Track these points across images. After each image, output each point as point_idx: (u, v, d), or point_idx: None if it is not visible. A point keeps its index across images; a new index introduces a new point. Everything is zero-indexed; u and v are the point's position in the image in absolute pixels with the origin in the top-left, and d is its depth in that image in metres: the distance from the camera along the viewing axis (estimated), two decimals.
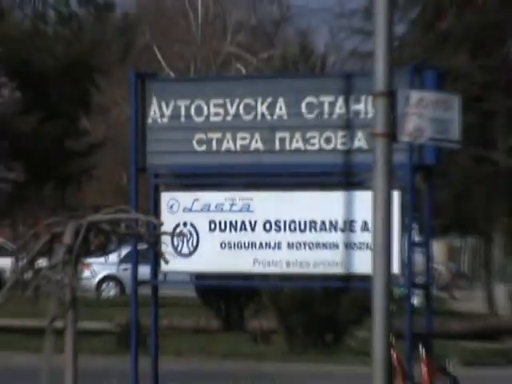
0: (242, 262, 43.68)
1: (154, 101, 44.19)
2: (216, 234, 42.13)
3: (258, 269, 44.08)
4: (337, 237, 39.51)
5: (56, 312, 21.85)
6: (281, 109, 41.86)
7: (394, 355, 39.47)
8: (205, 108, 43.21)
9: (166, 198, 42.65)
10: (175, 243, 41.98)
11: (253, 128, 42.38)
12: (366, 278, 36.31)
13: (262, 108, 42.44)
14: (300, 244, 41.09)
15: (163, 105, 43.87)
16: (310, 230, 40.50)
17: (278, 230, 41.62)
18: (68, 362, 20.47)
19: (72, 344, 20.89)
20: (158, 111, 43.92)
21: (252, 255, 42.64)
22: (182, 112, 43.46)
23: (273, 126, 41.87)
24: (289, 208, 41.18)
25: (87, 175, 75.18)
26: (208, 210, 42.32)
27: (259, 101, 42.90)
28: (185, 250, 42.38)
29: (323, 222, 39.84)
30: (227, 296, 65.69)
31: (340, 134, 39.50)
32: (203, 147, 42.36)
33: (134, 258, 44.80)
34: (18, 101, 36.59)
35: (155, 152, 43.02)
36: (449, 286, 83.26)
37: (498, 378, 53.03)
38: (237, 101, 43.51)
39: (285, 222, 41.19)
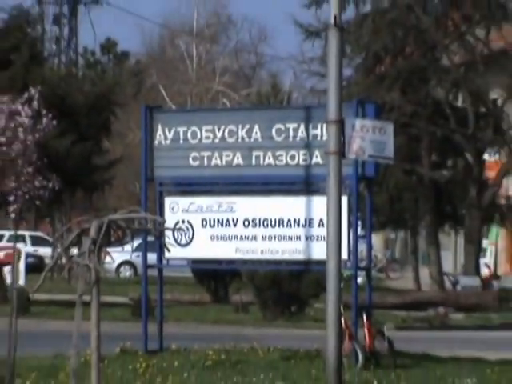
0: (227, 251, 44.64)
1: (159, 127, 45.24)
2: (207, 229, 43.21)
3: (239, 255, 45.18)
4: (299, 231, 41.47)
5: (84, 289, 19.62)
6: (256, 133, 43.02)
7: (343, 321, 37.71)
8: (198, 132, 44.47)
9: (168, 201, 43.67)
10: (176, 236, 42.80)
11: (235, 148, 43.33)
12: (321, 263, 37.05)
13: (242, 132, 43.66)
14: (271, 236, 42.30)
15: (166, 130, 45.05)
16: (279, 225, 41.70)
17: (254, 225, 42.69)
18: (93, 328, 19.12)
19: (96, 313, 19.29)
20: (162, 135, 45.03)
21: (235, 245, 43.68)
22: (181, 136, 44.76)
23: (250, 147, 42.96)
24: (263, 209, 42.29)
25: (108, 184, 73.53)
26: (201, 210, 43.38)
27: (240, 127, 44.11)
28: (183, 241, 43.28)
29: (289, 220, 41.42)
30: (215, 276, 66.46)
31: (302, 152, 41.00)
32: (197, 163, 43.62)
33: (144, 248, 46.05)
34: (55, 128, 36.58)
35: (160, 166, 43.99)
36: (385, 268, 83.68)
37: (422, 339, 52.44)
38: (222, 127, 44.71)
39: (259, 220, 42.29)
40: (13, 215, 41.04)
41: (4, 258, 61.70)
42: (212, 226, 43.40)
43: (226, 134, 44.02)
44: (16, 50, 71.21)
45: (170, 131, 44.50)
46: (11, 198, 37.26)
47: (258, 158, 42.68)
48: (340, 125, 35.24)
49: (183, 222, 43.45)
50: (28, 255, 70.55)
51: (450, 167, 72.10)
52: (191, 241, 43.54)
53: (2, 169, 34.19)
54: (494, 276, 73.46)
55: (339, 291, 34.22)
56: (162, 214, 43.27)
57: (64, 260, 36.33)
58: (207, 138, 44.10)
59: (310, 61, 65.26)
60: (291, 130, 42.06)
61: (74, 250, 23.82)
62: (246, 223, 43.36)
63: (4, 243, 74.11)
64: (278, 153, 42.20)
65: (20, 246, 64.08)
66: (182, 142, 44.43)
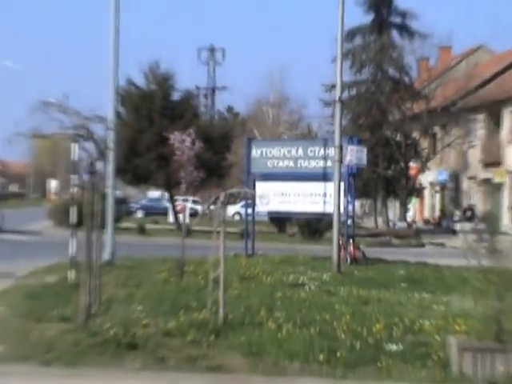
0: (285, 208, 52.71)
1: (253, 148, 52.65)
2: (275, 197, 51.18)
3: (291, 209, 53.60)
4: (320, 199, 48.84)
5: (217, 225, 25.24)
6: (300, 151, 49.69)
7: (341, 242, 44.16)
8: (272, 151, 51.65)
9: (258, 185, 51.05)
10: (260, 200, 50.89)
11: (289, 159, 50.52)
12: (330, 214, 45.41)
13: (293, 151, 50.02)
14: (306, 201, 50.27)
15: (258, 150, 52.37)
16: (310, 196, 49.88)
17: (298, 196, 50.68)
18: (221, 243, 22.96)
19: (223, 237, 23.62)
20: (255, 152, 52.13)
21: (288, 205, 51.60)
22: (264, 153, 51.89)
23: (297, 158, 50.31)
24: (302, 188, 50.50)
25: (228, 175, 75.39)
26: (272, 188, 51.34)
27: (293, 149, 50.34)
28: (264, 203, 51.12)
29: (315, 194, 49.63)
30: (280, 219, 72.03)
31: (321, 161, 48.91)
32: (271, 166, 51.15)
33: (246, 205, 55.08)
34: (202, 147, 41.22)
35: (253, 167, 51.85)
36: (361, 217, 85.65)
37: (378, 252, 55.07)
38: (284, 148, 52.08)
39: (300, 193, 50.45)
40: (183, 190, 48.87)
41: (179, 209, 69.65)
42: (278, 196, 51.37)
43: (286, 152, 51.14)
44: (186, 111, 78.45)
45: (258, 150, 52.29)
46: (182, 182, 46.04)
47: (300, 163, 50.37)
48: (340, 148, 44.09)
49: (264, 193, 50.94)
50: (190, 208, 74.21)
51: (393, 169, 79.17)
52: (267, 203, 51.57)
53: (179, 168, 42.72)
54: (413, 221, 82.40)
55: (338, 228, 43.74)
56: (253, 186, 50.89)
57: (208, 211, 46.20)
58: (277, 154, 51.49)
59: (327, 117, 72.03)
60: (317, 151, 49.61)
61: (213, 206, 32.49)
62: (294, 194, 51.10)
63: (179, 202, 75.63)
64: (310, 161, 49.70)
65: (186, 203, 69.48)
66: (264, 155, 51.76)
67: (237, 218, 68.64)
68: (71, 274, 29.21)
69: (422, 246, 61.76)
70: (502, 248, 19.72)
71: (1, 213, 77.46)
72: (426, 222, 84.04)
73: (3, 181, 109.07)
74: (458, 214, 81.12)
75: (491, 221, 65.63)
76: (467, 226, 68.13)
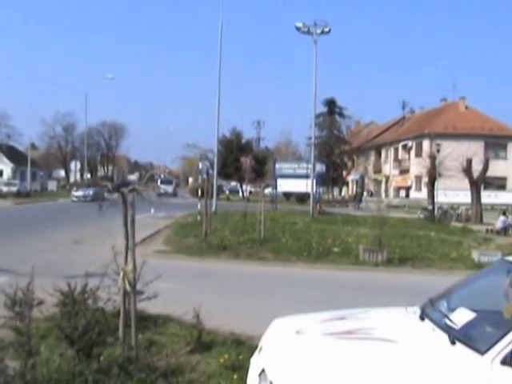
0: (289, 189, 50.81)
1: (277, 164, 49.50)
2: (285, 183, 47.66)
3: (290, 190, 51.64)
4: (305, 186, 43.43)
5: (261, 197, 24.68)
6: (295, 165, 48.22)
7: (319, 205, 42.20)
8: (285, 165, 49.16)
9: (278, 180, 47.02)
10: (279, 185, 47.51)
11: (292, 168, 47.86)
12: (309, 192, 41.07)
13: (294, 165, 48.94)
14: (299, 186, 46.09)
15: (278, 165, 49.05)
16: (301, 184, 44.76)
17: (295, 184, 46.53)
18: (262, 206, 22.48)
19: (263, 202, 22.81)
20: (277, 166, 48.78)
21: (291, 188, 49.24)
22: (281, 166, 48.66)
23: (295, 168, 47.89)
24: (295, 183, 45.98)
25: (266, 175, 66.60)
26: (284, 179, 46.76)
27: (294, 164, 50.20)
28: (281, 185, 48.31)
29: (303, 183, 43.92)
30: (287, 194, 61.48)
31: (305, 170, 43.72)
32: (284, 171, 47.35)
33: (273, 188, 49.23)
34: (253, 164, 40.09)
35: (276, 172, 47.46)
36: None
37: (330, 209, 49.58)
38: (290, 164, 49.74)
39: (297, 183, 45.84)
40: (247, 182, 48.22)
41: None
42: (286, 184, 47.11)
43: (290, 165, 47.81)
44: (247, 147, 74.75)
45: (278, 165, 48.15)
46: (246, 178, 45.48)
47: (296, 170, 46.69)
48: (314, 164, 40.34)
49: (280, 182, 47.03)
50: (249, 191, 68.10)
51: (335, 173, 73.22)
52: (281, 186, 48.25)
53: (244, 172, 42.19)
54: (343, 196, 75.53)
55: (313, 198, 39.58)
56: (276, 181, 47.25)
57: (258, 191, 43.14)
58: (286, 166, 48.27)
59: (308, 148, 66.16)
60: (303, 165, 45.85)
61: (259, 189, 32.47)
62: (293, 183, 46.69)
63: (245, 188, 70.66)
64: (300, 169, 45.87)
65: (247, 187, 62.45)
66: (281, 167, 48.02)
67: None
68: (199, 217, 28.41)
69: (347, 207, 59.73)
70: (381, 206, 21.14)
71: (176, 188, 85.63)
72: (349, 197, 79.73)
73: (176, 180, 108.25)
74: (365, 193, 79.50)
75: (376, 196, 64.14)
76: (368, 198, 67.53)
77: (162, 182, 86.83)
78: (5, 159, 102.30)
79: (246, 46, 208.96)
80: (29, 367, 4.75)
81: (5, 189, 64.20)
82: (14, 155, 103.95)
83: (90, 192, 53.21)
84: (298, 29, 39.86)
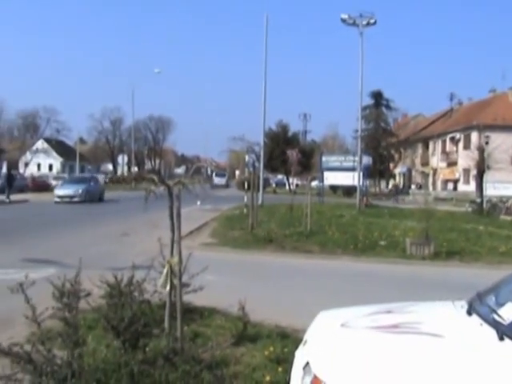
0: (336, 182, 50.69)
1: (323, 157, 49.68)
2: (332, 176, 48.14)
3: (337, 183, 51.93)
4: (351, 178, 43.68)
5: (308, 190, 25.61)
6: (342, 158, 48.55)
7: (365, 198, 43.06)
8: (331, 158, 49.22)
9: (325, 173, 47.40)
10: (326, 178, 48.12)
11: (338, 161, 48.11)
12: (355, 185, 40.56)
13: (341, 158, 49.23)
14: (346, 179, 46.82)
15: (324, 157, 49.32)
16: (347, 177, 45.52)
17: (342, 177, 47.18)
18: (308, 199, 24.71)
19: (309, 195, 23.24)
20: (324, 159, 48.86)
21: (338, 181, 49.53)
22: (327, 159, 48.81)
23: (342, 161, 48.12)
24: (345, 173, 46.05)
25: (313, 168, 67.38)
26: (330, 172, 46.99)
27: (341, 156, 50.03)
28: (327, 178, 48.39)
29: (350, 176, 44.27)
30: (334, 187, 61.05)
31: (352, 162, 44.43)
32: (331, 164, 47.66)
33: (320, 181, 50.10)
34: (299, 157, 40.17)
35: (323, 165, 47.68)
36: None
37: (377, 202, 49.22)
38: (337, 157, 50.11)
39: (344, 176, 46.24)
40: (293, 175, 48.47)
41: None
42: (333, 177, 47.43)
43: (336, 158, 48.58)
44: (293, 140, 75.94)
45: (324, 157, 48.29)
46: (292, 171, 45.66)
47: (343, 163, 47.10)
48: (360, 157, 40.98)
49: (327, 175, 47.87)
50: (296, 184, 69.04)
51: (382, 166, 73.65)
52: (327, 179, 48.47)
53: (291, 165, 42.23)
54: (390, 189, 73.69)
55: (360, 191, 39.34)
56: (322, 174, 47.77)
57: (306, 183, 43.27)
58: (332, 159, 48.36)
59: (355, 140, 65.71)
60: (350, 158, 46.66)
61: (306, 182, 31.70)
62: (340, 176, 47.18)
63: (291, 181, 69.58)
64: (347, 162, 46.38)
65: (294, 180, 61.72)
66: (327, 160, 48.17)
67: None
68: (245, 210, 28.39)
69: (398, 200, 59.04)
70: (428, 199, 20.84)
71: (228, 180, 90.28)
72: (399, 189, 78.01)
73: (227, 173, 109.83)
74: (413, 186, 78.69)
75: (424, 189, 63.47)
76: (416, 191, 66.75)
77: (216, 175, 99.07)
78: (54, 154, 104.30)
79: (292, 38, 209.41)
80: (76, 357, 4.82)
81: (54, 182, 64.38)
82: (63, 150, 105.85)
83: (80, 190, 40.80)
84: (343, 20, 39.61)
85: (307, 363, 3.81)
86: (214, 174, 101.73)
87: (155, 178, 6.20)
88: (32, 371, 4.63)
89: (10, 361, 4.68)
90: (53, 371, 4.65)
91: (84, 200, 40.33)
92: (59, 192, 41.47)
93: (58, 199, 40.26)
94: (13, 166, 78.22)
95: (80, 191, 41.00)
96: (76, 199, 40.21)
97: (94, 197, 42.12)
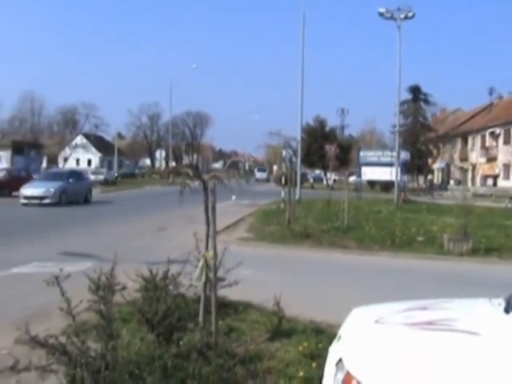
0: (374, 177, 50.05)
1: (361, 152, 49.82)
2: (369, 172, 48.10)
3: (374, 178, 51.45)
4: (389, 173, 43.81)
5: (345, 185, 26.55)
6: (380, 153, 48.77)
7: (403, 194, 42.96)
8: (369, 153, 49.28)
9: (363, 168, 47.31)
10: (363, 173, 47.87)
11: (376, 156, 48.37)
12: (393, 181, 40.95)
13: (378, 153, 49.34)
14: (384, 174, 46.58)
15: (362, 153, 49.32)
16: (385, 172, 45.50)
17: (379, 172, 46.79)
18: (345, 194, 23.07)
19: (346, 190, 23.51)
20: (361, 154, 48.84)
21: (376, 176, 49.05)
22: (365, 154, 48.87)
23: (380, 156, 48.31)
24: (382, 168, 46.07)
25: (350, 163, 67.21)
26: (369, 167, 47.01)
27: (378, 152, 50.05)
28: (365, 173, 48.12)
29: (388, 171, 44.14)
30: (371, 183, 59.18)
31: (389, 157, 44.41)
32: (368, 159, 47.62)
33: (357, 176, 49.46)
34: (337, 152, 39.61)
35: (361, 160, 47.71)
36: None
37: (415, 197, 49.40)
38: (375, 152, 49.99)
39: (381, 171, 45.98)
40: (330, 170, 48.64)
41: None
42: (370, 172, 47.17)
43: (374, 153, 48.59)
44: (331, 135, 75.09)
45: (362, 153, 48.50)
46: (330, 166, 45.64)
47: (380, 158, 47.13)
48: (398, 152, 41.71)
49: (364, 170, 47.52)
50: (333, 179, 72.09)
51: (420, 161, 71.14)
52: (366, 174, 48.18)
53: (328, 160, 42.21)
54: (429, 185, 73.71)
55: (397, 186, 39.65)
56: (360, 169, 47.74)
57: (342, 179, 43.04)
58: (370, 154, 48.56)
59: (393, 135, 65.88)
60: (388, 153, 46.57)
61: (343, 177, 31.48)
62: (378, 171, 47.03)
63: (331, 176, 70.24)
64: (385, 157, 46.36)
65: (332, 175, 61.61)
66: (365, 155, 48.35)
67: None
68: (282, 205, 28.66)
69: (434, 195, 58.55)
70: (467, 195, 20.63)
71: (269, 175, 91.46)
72: (435, 185, 76.80)
73: (267, 168, 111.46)
74: (451, 182, 78.02)
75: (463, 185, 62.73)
76: (454, 187, 65.93)
77: (258, 170, 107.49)
78: (93, 149, 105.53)
79: (329, 33, 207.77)
80: (110, 349, 4.86)
81: (92, 177, 65.51)
82: (102, 145, 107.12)
83: (52, 189, 32.62)
84: (381, 14, 39.50)
85: (340, 359, 3.78)
86: (256, 169, 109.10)
87: (190, 172, 6.23)
88: (67, 362, 4.70)
89: (46, 352, 4.75)
90: (87, 363, 4.70)
91: (58, 202, 32.30)
92: (26, 192, 32.94)
93: (24, 200, 32.26)
94: (52, 161, 79.62)
95: (52, 191, 32.57)
96: (47, 201, 31.95)
97: (74, 197, 33.83)
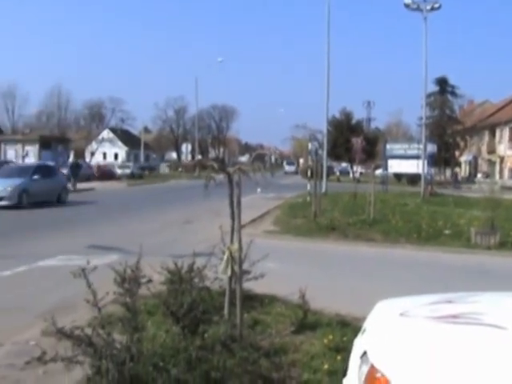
0: (400, 170, 49.70)
1: (387, 144, 49.14)
2: (395, 164, 47.53)
3: (400, 171, 51.33)
4: (416, 166, 43.41)
5: (371, 178, 26.48)
6: (406, 146, 47.93)
7: (430, 186, 43.14)
8: (395, 145, 48.89)
9: (389, 161, 46.90)
10: (391, 165, 47.63)
11: (403, 149, 47.82)
12: (420, 174, 41.25)
13: (405, 145, 48.44)
14: (410, 167, 46.06)
15: (388, 145, 48.65)
16: (412, 165, 44.81)
17: (406, 165, 46.45)
18: (372, 187, 24.26)
19: (373, 183, 23.82)
20: (388, 146, 48.26)
21: (402, 169, 48.89)
22: (391, 146, 48.23)
23: (406, 148, 47.88)
24: (407, 163, 45.72)
25: (376, 156, 66.24)
26: (395, 159, 46.72)
27: (405, 144, 49.35)
28: (390, 165, 48.00)
29: (414, 164, 43.60)
30: (398, 175, 59.41)
31: (416, 150, 43.70)
32: (395, 152, 47.11)
33: (383, 169, 49.21)
34: (364, 145, 39.68)
35: (387, 153, 47.08)
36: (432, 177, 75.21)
37: (442, 190, 47.94)
38: (401, 144, 49.28)
39: (408, 164, 45.71)
40: (357, 163, 48.43)
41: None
42: (397, 165, 46.70)
43: (401, 146, 47.12)
44: (357, 128, 74.01)
45: (388, 145, 47.87)
46: (356, 159, 45.40)
47: (407, 150, 45.79)
48: (425, 145, 40.94)
49: (391, 163, 46.84)
50: (360, 172, 68.78)
51: (447, 154, 70.79)
52: (391, 167, 47.64)
53: (355, 153, 42.23)
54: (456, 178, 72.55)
55: (424, 179, 39.78)
56: (386, 162, 47.27)
57: (368, 172, 42.98)
58: (397, 147, 47.72)
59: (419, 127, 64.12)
60: (414, 145, 45.51)
61: (369, 170, 31.36)
62: (404, 164, 46.46)
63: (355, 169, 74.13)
64: (411, 150, 45.07)
65: (357, 168, 61.64)
66: (391, 147, 47.58)
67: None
68: (308, 198, 28.56)
69: (460, 188, 58.10)
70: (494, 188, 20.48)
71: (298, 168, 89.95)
72: (461, 178, 76.29)
73: (293, 161, 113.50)
74: (479, 175, 77.39)
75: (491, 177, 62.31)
76: (482, 179, 65.39)
77: (287, 163, 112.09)
78: (119, 143, 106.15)
79: (354, 24, 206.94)
80: (135, 341, 4.89)
81: (119, 171, 66.85)
82: (128, 139, 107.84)
83: (9, 188, 27.14)
84: (406, 6, 39.37)
85: (365, 352, 3.75)
86: (285, 163, 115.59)
87: (214, 164, 6.25)
88: (92, 354, 4.73)
89: (72, 343, 4.81)
90: (112, 354, 4.73)
91: (19, 203, 26.79)
92: None
93: None
94: (79, 155, 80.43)
95: (9, 190, 27.11)
96: (3, 203, 26.37)
97: (42, 197, 28.58)
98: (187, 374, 4.90)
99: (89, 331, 4.86)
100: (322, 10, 43.00)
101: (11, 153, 62.19)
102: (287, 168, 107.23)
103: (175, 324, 5.67)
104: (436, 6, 38.87)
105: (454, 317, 3.90)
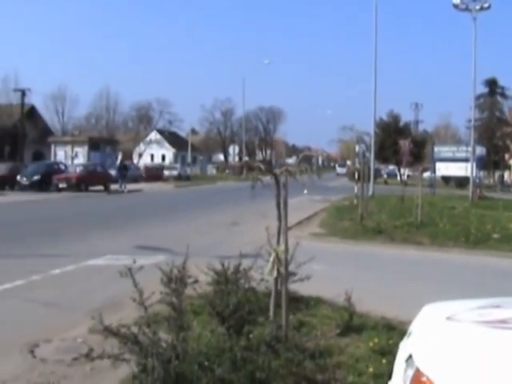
0: (449, 173, 49.31)
1: (435, 147, 48.64)
2: (443, 168, 47.34)
3: (449, 174, 50.35)
4: (464, 169, 43.06)
5: (419, 181, 26.66)
6: (457, 149, 47.07)
7: (479, 190, 42.75)
8: (444, 148, 48.24)
9: (437, 164, 46.56)
10: (439, 168, 47.42)
11: (451, 152, 47.10)
12: (468, 177, 41.10)
13: (453, 148, 48.27)
14: (459, 170, 45.58)
15: (436, 148, 48.20)
16: (460, 168, 44.37)
17: (454, 168, 45.64)
18: (419, 190, 23.30)
19: (420, 186, 23.28)
20: (436, 149, 47.78)
21: (450, 172, 48.03)
22: (439, 149, 47.77)
23: (455, 151, 47.20)
24: (457, 164, 44.96)
25: (424, 159, 65.21)
26: (444, 162, 46.31)
27: (453, 147, 49.41)
28: (440, 168, 47.53)
29: (463, 167, 43.09)
30: (446, 178, 60.10)
31: (464, 153, 43.50)
32: (443, 154, 46.54)
33: (431, 172, 48.79)
34: (411, 147, 39.09)
35: (435, 155, 46.60)
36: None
37: (491, 194, 47.70)
38: (449, 147, 48.97)
39: (456, 167, 44.97)
40: (404, 165, 47.80)
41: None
42: (445, 168, 46.26)
43: (449, 148, 47.15)
44: (405, 130, 73.42)
45: (437, 148, 47.81)
46: (404, 161, 45.07)
47: (455, 153, 45.36)
48: (474, 147, 40.55)
49: (439, 166, 46.51)
50: (407, 175, 67.54)
51: (497, 157, 69.52)
52: (439, 169, 47.38)
53: (402, 155, 41.83)
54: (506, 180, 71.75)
55: (473, 182, 39.29)
56: (434, 164, 46.90)
57: (417, 175, 42.40)
58: (445, 149, 47.39)
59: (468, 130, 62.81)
60: (463, 148, 45.09)
61: (417, 173, 30.91)
62: (452, 167, 45.60)
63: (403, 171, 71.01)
64: (459, 152, 44.87)
65: (404, 171, 61.30)
66: (439, 150, 47.20)
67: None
68: (355, 201, 28.51)
69: (508, 191, 57.03)
70: None
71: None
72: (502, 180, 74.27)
73: (344, 163, 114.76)
74: None
75: None
76: None
77: (339, 166, 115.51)
78: (167, 144, 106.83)
79: (402, 26, 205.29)
80: (180, 340, 4.94)
81: (167, 173, 67.24)
82: (176, 140, 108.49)
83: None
84: (455, 6, 39.02)
85: (410, 356, 3.72)
86: (337, 165, 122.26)
87: (261, 166, 6.26)
88: (138, 352, 4.83)
89: (118, 341, 4.90)
90: (158, 353, 4.79)
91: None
92: None
93: None
94: (127, 156, 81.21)
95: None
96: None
97: None
98: (232, 374, 4.92)
99: (135, 329, 4.93)
100: (369, 13, 43.02)
101: (61, 154, 63.44)
102: (339, 170, 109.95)
103: (221, 324, 5.70)
104: (485, 5, 38.36)
105: (502, 322, 3.84)
